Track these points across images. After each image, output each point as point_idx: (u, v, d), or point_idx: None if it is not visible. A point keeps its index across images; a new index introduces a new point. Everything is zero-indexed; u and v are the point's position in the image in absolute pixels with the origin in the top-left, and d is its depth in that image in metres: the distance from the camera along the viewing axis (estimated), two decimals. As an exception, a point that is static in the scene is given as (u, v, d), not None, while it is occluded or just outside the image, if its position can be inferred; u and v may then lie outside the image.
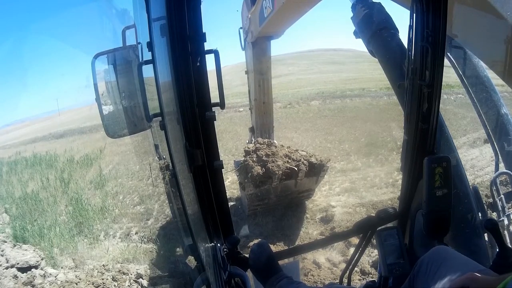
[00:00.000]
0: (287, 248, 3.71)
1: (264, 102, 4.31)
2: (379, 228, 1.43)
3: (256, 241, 3.60)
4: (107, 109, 1.36)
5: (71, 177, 7.76)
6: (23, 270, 3.74)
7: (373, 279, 1.84)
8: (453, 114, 8.32)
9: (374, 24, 1.96)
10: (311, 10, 2.87)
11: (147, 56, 1.02)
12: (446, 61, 1.35)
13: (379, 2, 2.03)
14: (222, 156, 4.94)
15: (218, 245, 1.13)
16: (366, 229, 1.44)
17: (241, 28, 4.11)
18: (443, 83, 1.26)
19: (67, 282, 3.40)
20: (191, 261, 1.30)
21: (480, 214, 1.69)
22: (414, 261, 1.19)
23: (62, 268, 3.88)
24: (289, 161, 3.94)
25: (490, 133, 2.27)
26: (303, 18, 3.15)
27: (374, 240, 1.45)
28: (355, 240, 3.33)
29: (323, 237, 3.86)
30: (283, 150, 4.14)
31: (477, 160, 5.62)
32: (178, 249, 4.02)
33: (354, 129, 9.01)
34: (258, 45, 3.94)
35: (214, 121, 1.03)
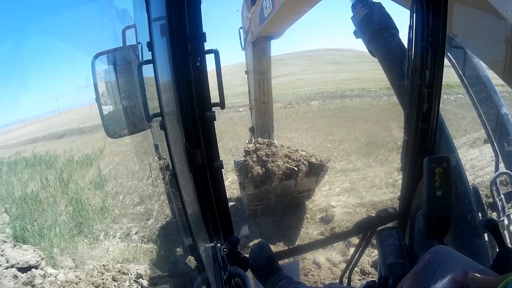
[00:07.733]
0: (287, 248, 3.71)
1: (264, 102, 4.31)
2: (379, 228, 1.43)
3: (256, 241, 3.60)
4: (107, 109, 1.37)
5: (71, 177, 7.76)
6: (23, 270, 3.74)
7: (373, 279, 1.83)
8: (453, 114, 8.32)
9: (374, 24, 1.96)
10: (311, 10, 2.88)
11: (147, 56, 1.02)
12: (446, 61, 1.34)
13: (379, 2, 2.03)
14: (222, 156, 4.95)
15: (218, 245, 1.13)
16: (366, 229, 1.44)
17: (241, 28, 4.12)
18: (443, 83, 1.26)
19: (67, 282, 3.40)
20: (191, 261, 1.30)
21: (480, 214, 1.69)
22: (414, 261, 1.18)
23: (62, 268, 3.88)
24: (289, 161, 3.94)
25: (490, 133, 2.27)
26: (303, 18, 3.16)
27: (374, 240, 1.44)
28: (355, 240, 3.33)
29: (323, 237, 3.86)
30: (283, 150, 4.14)
31: (477, 160, 5.62)
32: (178, 249, 4.02)
33: (354, 129, 9.01)
34: (258, 45, 3.94)
35: (214, 121, 1.02)
